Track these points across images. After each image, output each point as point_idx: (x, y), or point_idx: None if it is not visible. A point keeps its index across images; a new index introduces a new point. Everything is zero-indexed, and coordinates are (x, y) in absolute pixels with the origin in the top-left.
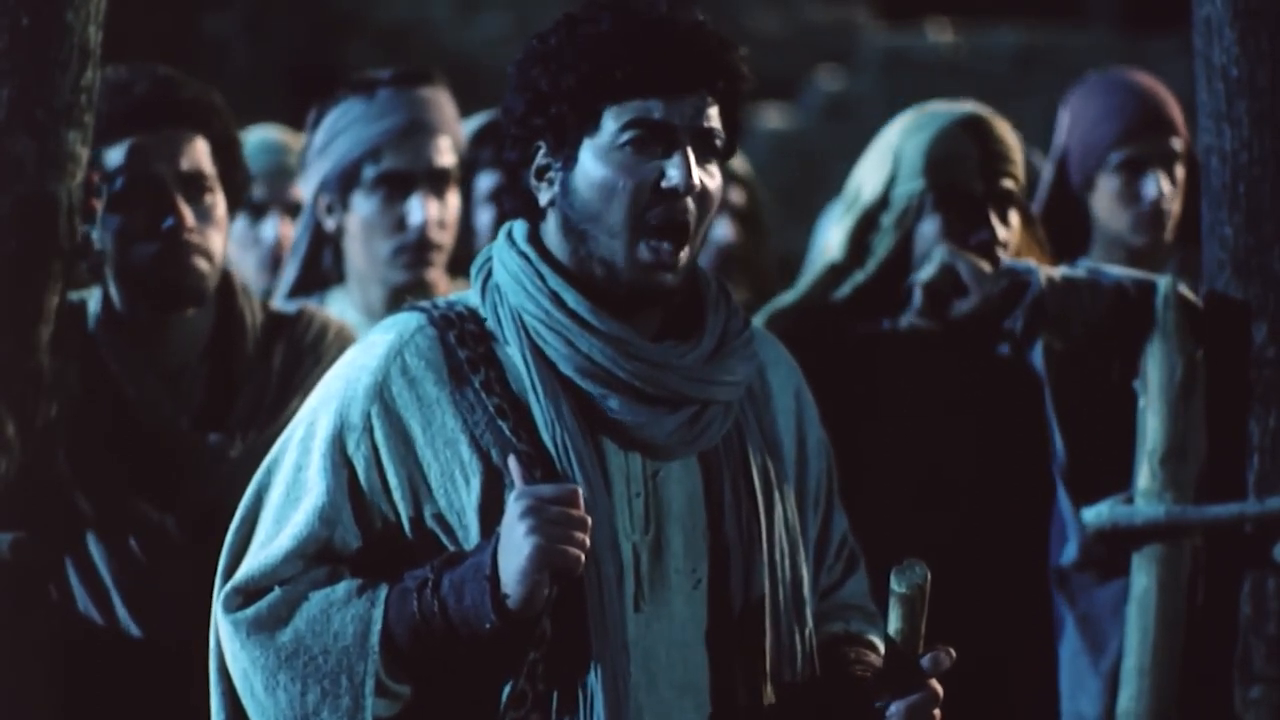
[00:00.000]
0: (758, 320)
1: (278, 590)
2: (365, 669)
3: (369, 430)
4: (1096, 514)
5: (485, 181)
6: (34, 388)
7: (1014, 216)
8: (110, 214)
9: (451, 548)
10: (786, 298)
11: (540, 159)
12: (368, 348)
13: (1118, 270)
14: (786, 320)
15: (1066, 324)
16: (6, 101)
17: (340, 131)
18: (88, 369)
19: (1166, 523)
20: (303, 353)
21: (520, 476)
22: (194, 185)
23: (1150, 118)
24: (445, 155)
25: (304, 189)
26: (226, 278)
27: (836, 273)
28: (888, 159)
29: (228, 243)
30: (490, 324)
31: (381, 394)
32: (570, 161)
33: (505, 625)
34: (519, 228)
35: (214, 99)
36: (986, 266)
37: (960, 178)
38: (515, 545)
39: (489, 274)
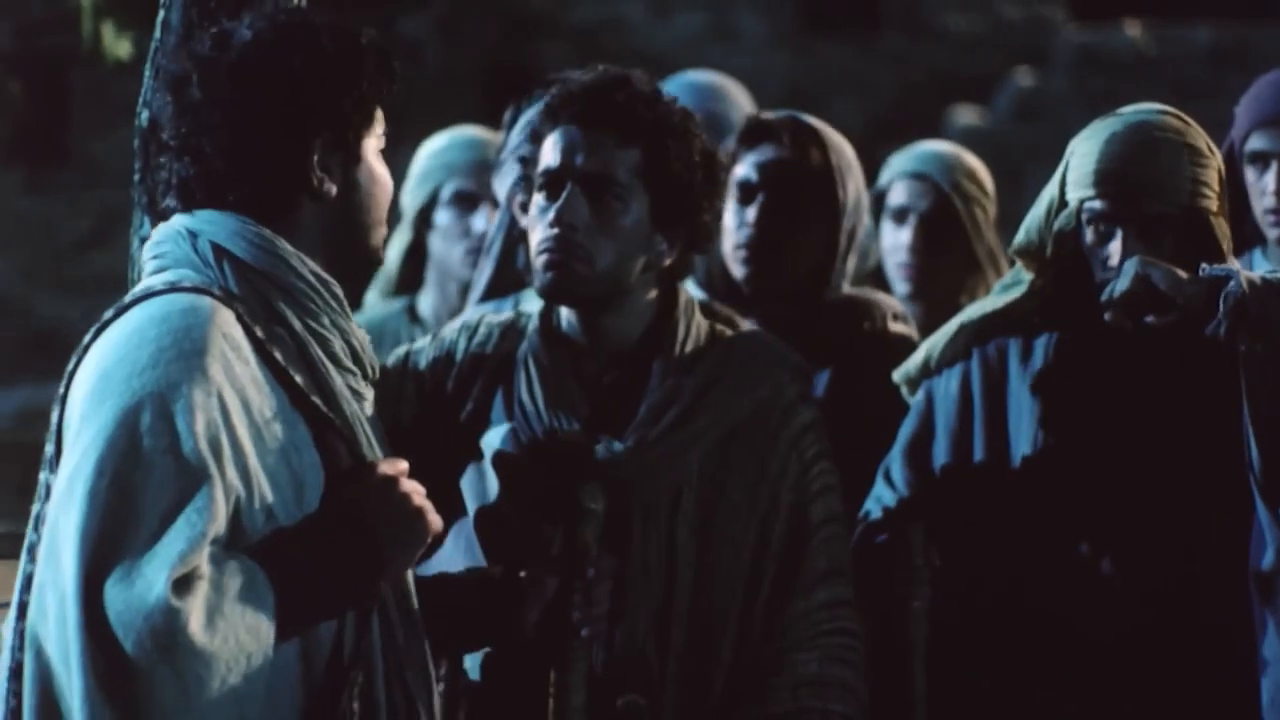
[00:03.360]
0: (954, 324)
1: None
2: None
3: (222, 410)
4: None
5: None
6: None
7: (1170, 240)
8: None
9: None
10: (985, 303)
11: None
12: (186, 331)
13: None
14: (985, 326)
15: (1268, 327)
16: None
17: None
18: None
19: None
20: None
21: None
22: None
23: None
24: None
25: (499, 188)
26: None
27: (1035, 272)
28: (1064, 162)
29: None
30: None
31: (218, 374)
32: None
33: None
34: None
35: None
36: (1182, 272)
37: (1105, 192)
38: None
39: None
